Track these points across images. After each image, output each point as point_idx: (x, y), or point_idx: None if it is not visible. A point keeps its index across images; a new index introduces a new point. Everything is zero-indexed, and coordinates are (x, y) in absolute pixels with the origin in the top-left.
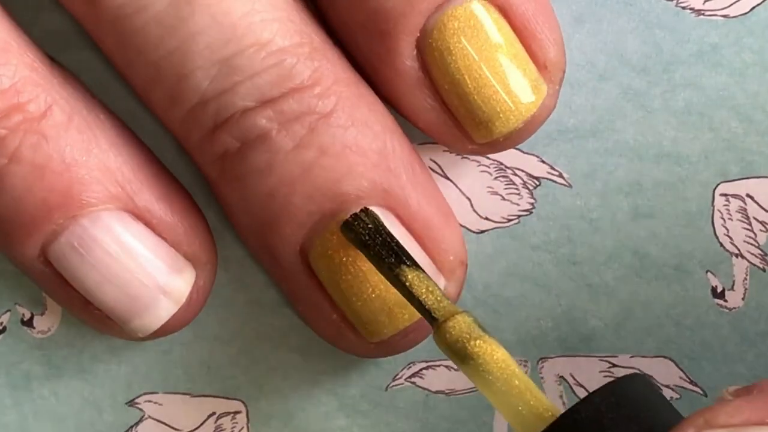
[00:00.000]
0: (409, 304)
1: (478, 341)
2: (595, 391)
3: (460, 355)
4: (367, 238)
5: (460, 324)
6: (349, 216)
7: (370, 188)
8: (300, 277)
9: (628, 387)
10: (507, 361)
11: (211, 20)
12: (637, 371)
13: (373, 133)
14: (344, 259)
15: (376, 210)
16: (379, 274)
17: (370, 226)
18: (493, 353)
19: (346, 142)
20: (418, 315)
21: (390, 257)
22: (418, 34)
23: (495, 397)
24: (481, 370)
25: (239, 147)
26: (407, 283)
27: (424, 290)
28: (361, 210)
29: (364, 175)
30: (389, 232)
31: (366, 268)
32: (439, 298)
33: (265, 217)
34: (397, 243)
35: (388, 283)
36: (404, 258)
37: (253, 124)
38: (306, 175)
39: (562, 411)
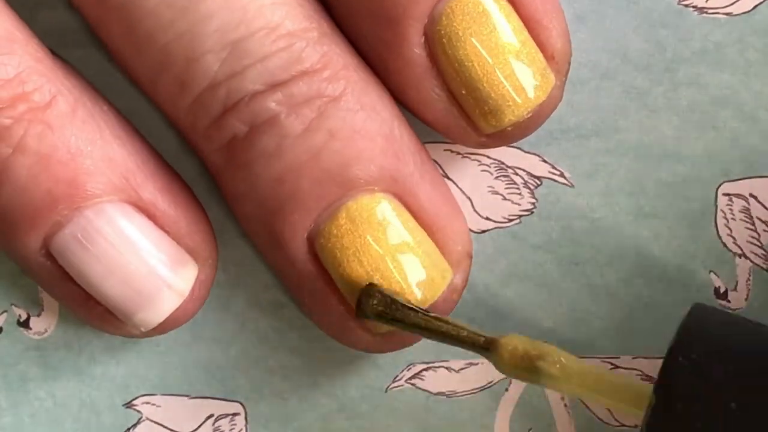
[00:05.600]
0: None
1: (539, 348)
2: (675, 342)
3: (530, 369)
4: (384, 310)
5: (515, 341)
6: (358, 304)
7: (379, 174)
8: (306, 266)
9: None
10: (574, 359)
11: (223, 3)
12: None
13: (381, 119)
14: (352, 246)
15: (384, 197)
16: (386, 263)
17: (381, 300)
18: (559, 355)
19: (355, 126)
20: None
21: (416, 314)
22: (426, 21)
23: (586, 394)
24: (560, 373)
25: (247, 132)
26: (448, 324)
27: (461, 325)
28: (364, 292)
29: (372, 160)
30: (394, 297)
31: (374, 256)
32: (475, 329)
33: (272, 204)
34: (407, 302)
35: (393, 273)
36: (423, 309)
37: (263, 108)
38: (315, 159)
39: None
